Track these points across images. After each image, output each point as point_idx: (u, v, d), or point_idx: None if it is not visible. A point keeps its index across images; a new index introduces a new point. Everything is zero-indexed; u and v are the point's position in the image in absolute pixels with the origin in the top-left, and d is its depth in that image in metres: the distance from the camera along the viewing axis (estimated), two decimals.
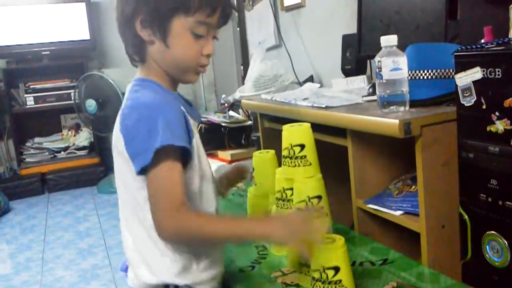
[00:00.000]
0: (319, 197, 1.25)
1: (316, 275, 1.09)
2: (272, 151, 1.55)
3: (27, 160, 4.45)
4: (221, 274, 1.18)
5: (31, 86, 4.41)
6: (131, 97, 1.07)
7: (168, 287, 1.09)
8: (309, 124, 1.29)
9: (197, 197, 1.09)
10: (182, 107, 1.08)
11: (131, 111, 1.03)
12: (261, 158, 1.54)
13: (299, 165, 1.27)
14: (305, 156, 1.27)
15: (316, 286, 1.09)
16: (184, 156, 1.03)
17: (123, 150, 1.03)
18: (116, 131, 1.05)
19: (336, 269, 1.07)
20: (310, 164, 1.27)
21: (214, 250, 1.14)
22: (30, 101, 4.40)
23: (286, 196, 1.34)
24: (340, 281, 1.07)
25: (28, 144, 4.52)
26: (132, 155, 1.01)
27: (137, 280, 1.11)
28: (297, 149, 1.26)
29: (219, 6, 1.06)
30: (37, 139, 4.56)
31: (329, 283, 1.07)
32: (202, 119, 3.33)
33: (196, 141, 1.10)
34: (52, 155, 4.48)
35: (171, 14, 1.03)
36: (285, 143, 1.29)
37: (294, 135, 1.27)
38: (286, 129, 1.30)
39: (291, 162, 1.28)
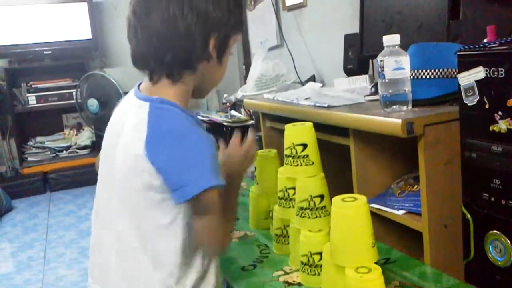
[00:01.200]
0: (322, 196, 1.25)
1: None
2: (274, 150, 1.56)
3: (29, 159, 4.45)
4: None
5: (33, 86, 4.41)
6: (157, 120, 0.96)
7: None
8: (311, 124, 1.29)
9: None
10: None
11: (168, 140, 0.94)
12: (263, 157, 1.54)
13: (301, 164, 1.27)
14: (307, 156, 1.26)
15: None
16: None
17: (148, 179, 0.95)
18: (134, 152, 0.95)
19: None
20: (313, 163, 1.27)
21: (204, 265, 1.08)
22: (32, 100, 4.41)
23: (289, 196, 1.34)
24: None
25: (30, 143, 4.52)
26: (173, 186, 0.94)
27: None
28: (300, 148, 1.26)
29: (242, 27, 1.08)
30: (39, 138, 4.56)
31: None
32: (204, 119, 3.33)
33: None
34: (54, 154, 4.48)
35: (232, 32, 1.03)
36: (287, 142, 1.29)
37: (297, 134, 1.27)
38: (289, 128, 1.30)
39: (293, 162, 1.27)
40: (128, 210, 1.01)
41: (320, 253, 1.17)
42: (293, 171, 1.29)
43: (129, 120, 1.00)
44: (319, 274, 1.19)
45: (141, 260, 1.00)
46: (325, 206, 1.25)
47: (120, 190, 1.02)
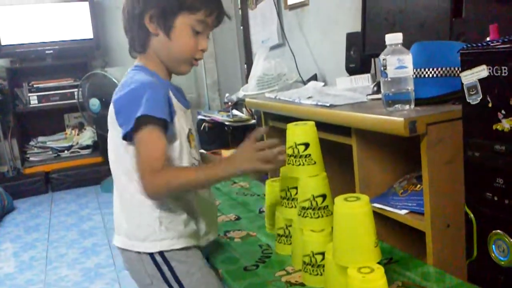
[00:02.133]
0: (324, 196, 1.25)
1: None
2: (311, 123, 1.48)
3: (31, 159, 4.46)
4: (204, 236, 1.32)
5: (34, 85, 4.41)
6: (126, 77, 1.23)
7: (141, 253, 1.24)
8: (313, 123, 1.28)
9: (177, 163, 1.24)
10: (170, 92, 1.23)
11: (122, 87, 1.19)
12: (274, 187, 1.48)
13: (303, 164, 1.25)
14: (309, 155, 1.25)
15: None
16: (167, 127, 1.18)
17: (114, 120, 1.19)
18: (110, 105, 1.21)
19: None
20: (315, 162, 1.26)
21: (190, 206, 1.27)
22: (33, 100, 4.41)
23: (291, 195, 1.34)
24: None
25: (32, 143, 4.52)
26: (120, 123, 1.17)
27: (124, 238, 1.26)
28: (302, 147, 1.25)
29: (216, 9, 1.23)
30: (40, 138, 4.56)
31: None
32: (206, 118, 3.33)
33: (182, 123, 1.25)
34: (56, 154, 4.48)
35: (177, 11, 1.20)
36: (289, 142, 1.27)
37: (299, 133, 1.26)
38: (290, 127, 1.29)
39: (295, 161, 1.26)
40: (112, 149, 1.25)
41: (323, 253, 1.17)
42: (295, 171, 1.28)
43: None
44: (321, 274, 1.19)
45: (120, 176, 1.24)
46: (327, 206, 1.24)
47: (109, 134, 1.25)
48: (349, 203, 1.04)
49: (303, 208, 1.25)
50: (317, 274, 1.20)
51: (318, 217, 1.23)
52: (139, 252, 1.24)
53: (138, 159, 1.16)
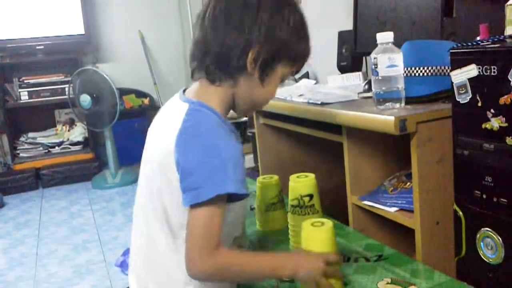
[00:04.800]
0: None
1: None
2: (276, 177, 1.52)
3: (21, 155, 4.43)
4: None
5: (25, 81, 4.38)
6: (192, 122, 1.00)
7: None
8: (313, 175, 1.37)
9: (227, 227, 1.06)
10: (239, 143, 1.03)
11: (194, 142, 0.98)
12: (264, 184, 1.52)
13: (308, 214, 1.34)
14: (313, 205, 1.35)
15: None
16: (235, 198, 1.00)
17: (172, 173, 0.99)
18: (166, 148, 0.99)
19: None
20: (318, 211, 1.36)
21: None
22: (24, 95, 4.38)
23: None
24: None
25: (22, 139, 4.49)
26: (186, 187, 0.97)
27: None
28: (307, 199, 1.34)
29: (304, 62, 1.14)
30: (31, 134, 4.53)
31: None
32: None
33: None
34: (46, 150, 4.46)
35: (283, 59, 1.06)
36: (294, 194, 1.36)
37: (303, 186, 1.35)
38: (294, 180, 1.37)
39: (301, 211, 1.35)
40: (151, 194, 1.05)
41: None
42: (301, 220, 1.26)
43: (169, 119, 1.06)
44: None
45: (168, 255, 1.05)
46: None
47: (150, 174, 1.06)
48: (315, 228, 1.14)
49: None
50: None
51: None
52: None
53: (191, 234, 0.97)
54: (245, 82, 1.04)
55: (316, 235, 1.13)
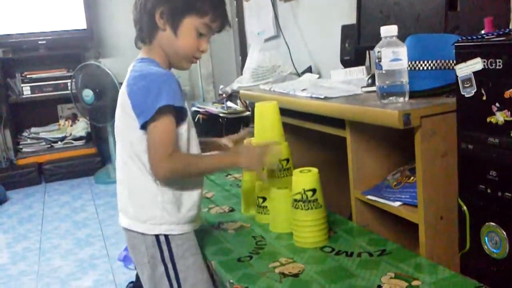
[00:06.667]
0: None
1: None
2: (275, 102, 1.59)
3: (24, 150, 4.43)
4: (198, 220, 1.43)
5: (27, 76, 4.39)
6: (137, 69, 1.31)
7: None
8: (317, 169, 1.40)
9: (185, 147, 1.34)
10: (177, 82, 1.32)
11: (139, 79, 1.27)
12: (263, 108, 1.57)
13: (312, 208, 1.37)
14: (316, 199, 1.37)
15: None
16: (179, 115, 1.29)
17: (130, 110, 1.27)
18: (123, 95, 1.29)
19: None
20: (321, 206, 1.38)
21: (193, 193, 1.37)
22: (26, 90, 4.38)
23: None
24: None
25: (25, 134, 4.50)
26: (138, 113, 1.25)
27: (126, 218, 1.37)
28: (310, 193, 1.37)
29: (221, 17, 1.34)
30: (33, 129, 4.54)
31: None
32: (200, 110, 3.32)
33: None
34: (49, 145, 4.47)
35: (186, 12, 1.30)
36: (297, 188, 1.38)
37: (306, 180, 1.38)
38: (297, 174, 1.40)
39: (304, 206, 1.37)
40: (121, 135, 1.35)
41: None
42: (281, 182, 1.51)
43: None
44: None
45: (127, 160, 1.33)
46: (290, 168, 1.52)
47: (118, 121, 1.35)
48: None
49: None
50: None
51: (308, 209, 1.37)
52: (143, 233, 1.33)
53: (152, 144, 1.25)
54: (164, 37, 1.32)
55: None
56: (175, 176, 1.29)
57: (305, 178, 1.37)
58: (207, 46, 1.36)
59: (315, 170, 1.39)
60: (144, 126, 1.25)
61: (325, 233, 1.40)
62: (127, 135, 1.31)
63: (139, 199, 1.33)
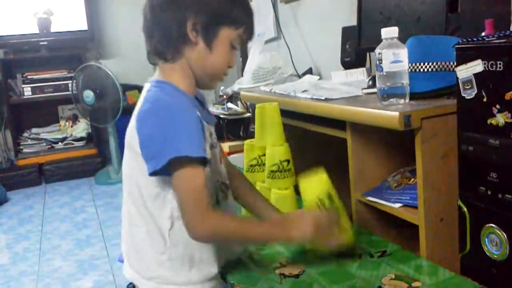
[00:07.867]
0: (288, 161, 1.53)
1: None
2: (275, 103, 1.61)
3: (24, 150, 4.44)
4: (216, 274, 1.21)
5: (28, 77, 4.39)
6: (151, 99, 1.10)
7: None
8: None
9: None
10: (198, 113, 1.11)
11: (149, 114, 1.07)
12: (263, 109, 1.60)
13: (287, 177, 1.53)
14: (290, 169, 1.52)
15: None
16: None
17: (138, 149, 1.08)
18: (132, 130, 1.10)
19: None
20: (294, 174, 1.52)
21: (207, 252, 1.17)
22: (27, 91, 4.39)
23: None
24: None
25: (26, 134, 4.51)
26: (147, 157, 1.07)
27: (130, 269, 1.20)
28: (285, 164, 1.52)
29: (252, 27, 1.18)
30: (34, 130, 4.54)
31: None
32: None
33: (207, 148, 1.14)
34: (50, 146, 4.47)
35: (223, 24, 1.12)
36: (273, 160, 1.53)
37: (280, 152, 1.52)
38: (270, 148, 1.54)
39: (281, 175, 1.52)
40: (128, 174, 1.16)
41: None
42: (282, 183, 1.55)
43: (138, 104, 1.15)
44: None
45: (140, 226, 1.14)
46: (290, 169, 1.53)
47: (126, 157, 1.16)
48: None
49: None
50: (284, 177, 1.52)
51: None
52: None
53: (183, 199, 1.06)
54: (193, 52, 1.12)
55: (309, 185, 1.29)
56: (217, 239, 1.13)
57: (279, 151, 1.52)
58: (235, 60, 1.18)
59: (324, 176, 1.32)
60: (153, 174, 1.06)
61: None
62: (135, 176, 1.13)
63: (142, 254, 1.16)
